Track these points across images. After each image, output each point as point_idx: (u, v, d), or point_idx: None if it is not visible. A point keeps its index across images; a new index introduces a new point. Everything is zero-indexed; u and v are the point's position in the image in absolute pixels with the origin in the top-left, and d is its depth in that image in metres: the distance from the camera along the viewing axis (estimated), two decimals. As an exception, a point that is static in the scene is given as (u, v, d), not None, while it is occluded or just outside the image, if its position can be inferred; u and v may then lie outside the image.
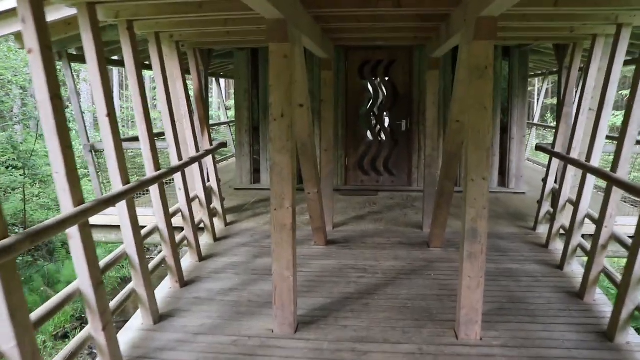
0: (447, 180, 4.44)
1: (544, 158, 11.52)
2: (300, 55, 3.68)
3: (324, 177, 6.05)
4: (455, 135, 4.00)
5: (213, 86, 17.29)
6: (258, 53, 8.35)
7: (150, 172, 4.14)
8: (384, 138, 8.51)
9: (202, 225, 5.78)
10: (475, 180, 3.16)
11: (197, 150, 5.69)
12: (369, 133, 8.62)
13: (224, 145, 6.64)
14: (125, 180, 3.53)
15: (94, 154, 7.27)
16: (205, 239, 5.79)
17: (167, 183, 6.88)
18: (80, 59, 6.81)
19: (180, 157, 4.98)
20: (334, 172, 8.31)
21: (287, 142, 3.20)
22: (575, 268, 4.79)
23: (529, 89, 17.07)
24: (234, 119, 10.04)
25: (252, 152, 8.63)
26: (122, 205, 3.53)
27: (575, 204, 4.65)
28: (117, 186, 3.48)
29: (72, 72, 6.72)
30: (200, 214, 5.77)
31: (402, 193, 8.18)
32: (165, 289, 4.45)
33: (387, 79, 8.32)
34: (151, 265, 4.17)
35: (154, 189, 4.17)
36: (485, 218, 3.23)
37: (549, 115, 23.62)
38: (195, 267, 5.00)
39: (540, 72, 12.71)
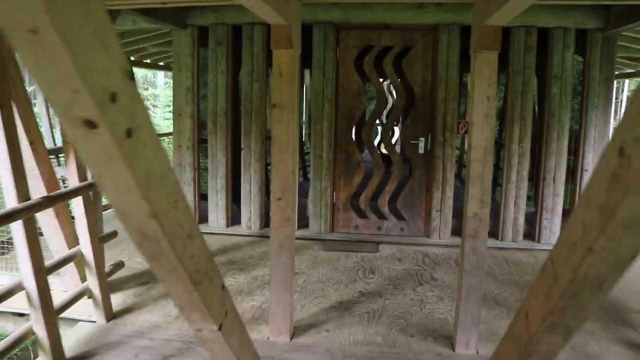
0: (552, 332, 1.67)
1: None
2: None
3: (277, 250, 3.30)
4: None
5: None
6: (208, 32, 5.63)
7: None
8: (392, 164, 5.72)
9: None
10: None
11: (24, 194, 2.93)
12: (368, 156, 5.84)
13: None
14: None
15: None
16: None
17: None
18: None
19: None
20: (316, 214, 5.55)
21: None
22: None
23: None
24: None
25: (196, 178, 5.89)
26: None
27: None
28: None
29: None
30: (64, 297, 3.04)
31: (416, 248, 5.39)
32: None
33: (398, 77, 5.54)
34: None
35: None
36: None
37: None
38: None
39: (625, 71, 8.78)
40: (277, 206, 3.20)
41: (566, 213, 5.45)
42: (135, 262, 4.74)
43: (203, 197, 5.97)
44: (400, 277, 4.59)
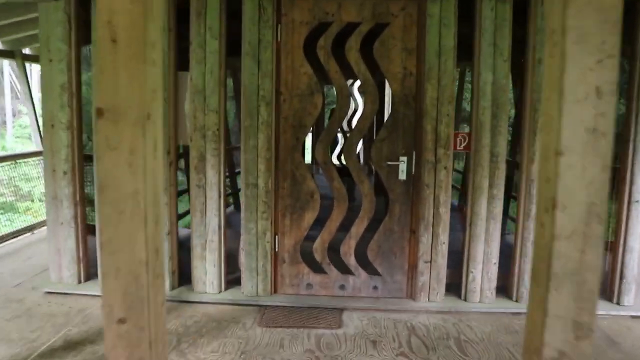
0: None
1: None
2: None
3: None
4: None
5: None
6: (90, 4, 3.82)
7: None
8: (360, 194, 4.00)
9: None
10: None
11: None
12: (323, 181, 4.10)
13: None
14: None
15: None
16: None
17: None
18: None
19: None
20: (250, 269, 3.81)
21: None
22: None
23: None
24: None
25: (79, 215, 4.04)
26: None
27: None
28: None
29: None
30: None
31: (397, 317, 3.69)
32: None
33: (368, 69, 3.81)
34: None
35: None
36: None
37: None
38: None
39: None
40: (117, 336, 1.43)
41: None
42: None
43: (89, 230, 4.17)
44: (375, 382, 2.87)
